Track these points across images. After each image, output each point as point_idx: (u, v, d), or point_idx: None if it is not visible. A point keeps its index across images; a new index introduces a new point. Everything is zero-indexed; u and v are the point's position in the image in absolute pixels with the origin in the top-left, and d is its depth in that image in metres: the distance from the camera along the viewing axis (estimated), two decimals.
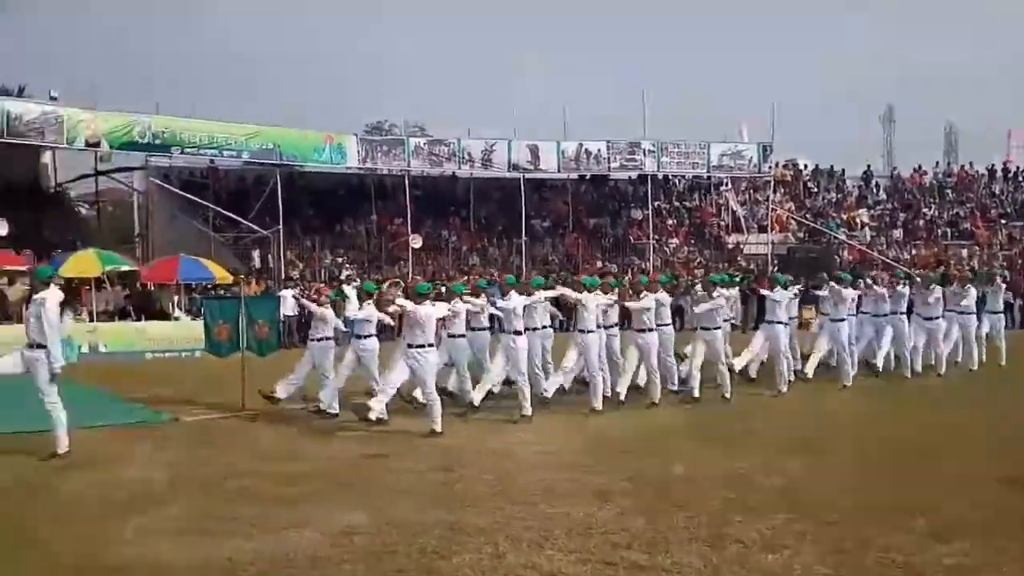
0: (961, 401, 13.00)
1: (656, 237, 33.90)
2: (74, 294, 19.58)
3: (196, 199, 28.79)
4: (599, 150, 32.16)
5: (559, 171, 32.75)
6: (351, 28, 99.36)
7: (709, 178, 36.12)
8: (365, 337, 11.14)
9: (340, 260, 29.52)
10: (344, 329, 11.78)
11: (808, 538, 6.01)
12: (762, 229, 34.84)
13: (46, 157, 31.19)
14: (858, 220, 35.97)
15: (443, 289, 12.08)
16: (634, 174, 34.76)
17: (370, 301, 11.28)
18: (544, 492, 7.30)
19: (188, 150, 27.15)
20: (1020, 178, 38.69)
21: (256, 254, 28.50)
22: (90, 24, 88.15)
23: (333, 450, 9.24)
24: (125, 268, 20.76)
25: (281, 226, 27.31)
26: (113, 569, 5.54)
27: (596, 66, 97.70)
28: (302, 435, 10.14)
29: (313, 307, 11.84)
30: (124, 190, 35.34)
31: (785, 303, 13.37)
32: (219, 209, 28.79)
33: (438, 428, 9.91)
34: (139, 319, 19.93)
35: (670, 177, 36.61)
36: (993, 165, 39.25)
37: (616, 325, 12.89)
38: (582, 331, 11.62)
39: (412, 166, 30.48)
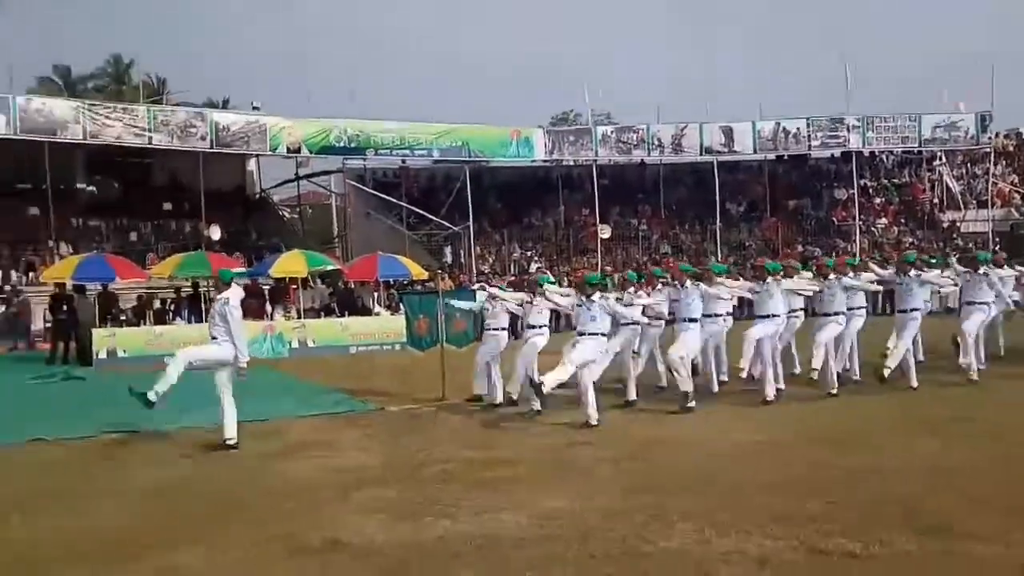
0: None
1: (863, 217, 31.93)
2: (283, 293, 20.65)
3: (389, 198, 29.81)
4: (798, 128, 30.92)
5: (755, 152, 31.59)
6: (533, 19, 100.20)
7: (920, 152, 33.80)
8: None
9: (529, 253, 29.65)
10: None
11: None
12: (981, 205, 32.22)
13: (251, 164, 33.41)
14: None
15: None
16: (837, 151, 32.98)
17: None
18: (746, 480, 6.98)
19: (381, 152, 28.15)
20: None
21: (447, 250, 29.16)
22: (285, 34, 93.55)
23: (531, 438, 9.17)
24: (330, 268, 21.61)
25: (471, 222, 27.78)
26: (330, 544, 5.71)
27: (791, 40, 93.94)
28: (499, 424, 10.11)
29: (508, 296, 11.65)
30: (322, 193, 37.36)
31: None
32: (411, 207, 29.69)
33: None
34: (342, 315, 20.68)
35: (876, 153, 34.42)
36: None
37: (802, 310, 12.15)
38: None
39: (600, 155, 30.19)
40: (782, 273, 11.22)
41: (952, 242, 29.54)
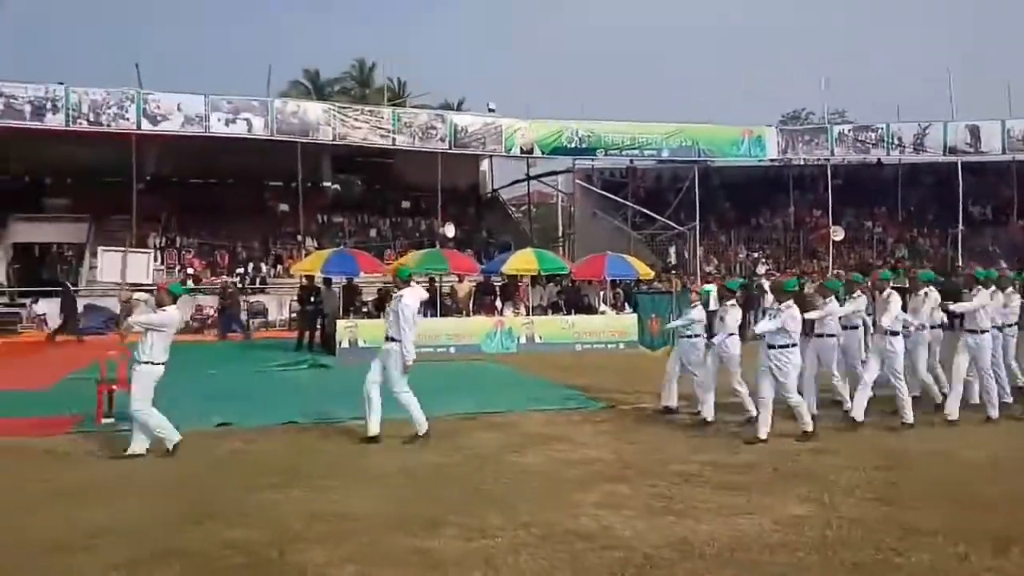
0: None
1: None
2: (514, 290, 21.48)
3: (616, 198, 30.26)
4: None
5: (1004, 152, 29.49)
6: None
7: None
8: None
9: (755, 255, 29.22)
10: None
11: None
12: None
13: (484, 164, 34.78)
14: None
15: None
16: None
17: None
18: (998, 497, 6.89)
19: (611, 152, 28.65)
20: None
21: (672, 250, 29.24)
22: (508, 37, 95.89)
23: (771, 443, 9.20)
24: (558, 270, 22.04)
25: (697, 222, 27.73)
26: (579, 536, 6.07)
27: None
28: (718, 430, 10.12)
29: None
30: (547, 192, 38.20)
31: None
32: (637, 207, 30.00)
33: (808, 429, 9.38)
34: (568, 313, 21.26)
35: None
36: None
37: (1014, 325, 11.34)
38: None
39: (835, 154, 29.28)
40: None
41: None
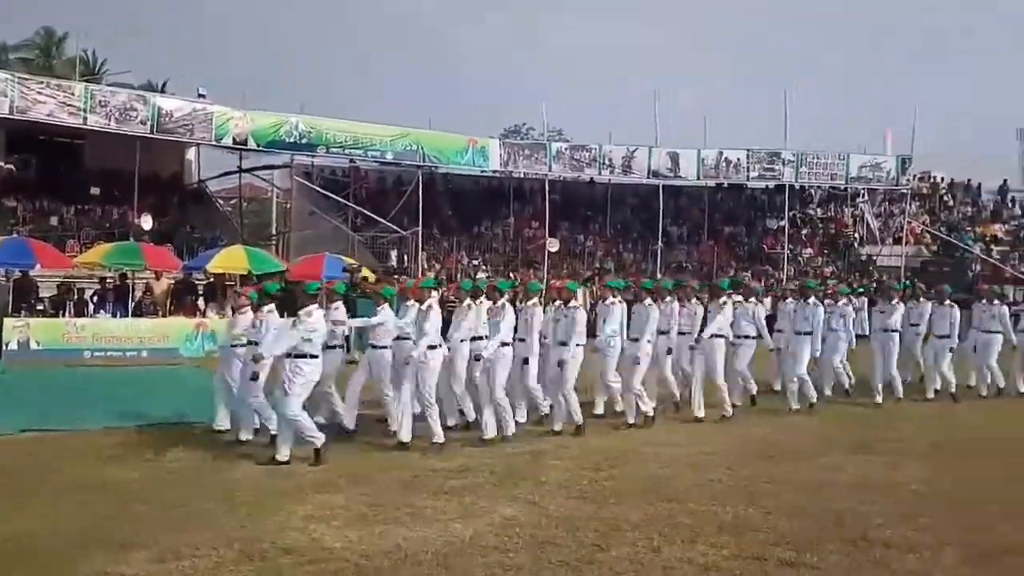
0: None
1: (791, 247, 33.26)
2: (219, 290, 19.90)
3: (337, 198, 29.68)
4: (738, 159, 31.89)
5: (699, 178, 32.50)
6: (486, 32, 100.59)
7: (846, 189, 35.38)
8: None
9: (476, 262, 29.91)
10: None
11: (947, 540, 6.14)
12: (896, 241, 33.92)
13: (190, 153, 32.57)
14: (992, 235, 34.98)
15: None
16: (772, 184, 34.15)
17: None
18: (692, 491, 7.45)
19: (333, 149, 28.03)
20: None
21: (394, 254, 29.17)
22: (229, 21, 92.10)
23: (489, 447, 9.32)
24: (272, 270, 20.75)
25: (420, 226, 27.86)
26: (285, 550, 5.80)
27: (736, 74, 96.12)
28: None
29: None
30: (261, 187, 36.46)
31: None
32: (359, 208, 29.62)
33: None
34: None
35: (807, 187, 35.84)
36: None
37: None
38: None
39: (553, 170, 30.69)
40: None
41: (868, 274, 31.02)
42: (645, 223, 33.01)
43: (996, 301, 14.27)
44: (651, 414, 10.73)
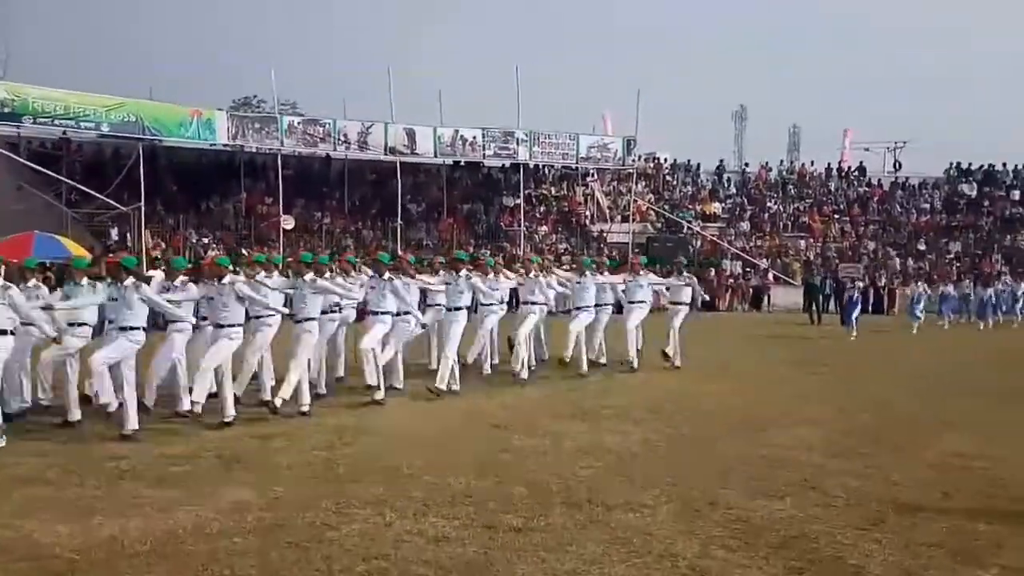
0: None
1: (527, 224, 34.56)
2: None
3: (48, 172, 27.20)
4: (474, 137, 32.41)
5: (436, 156, 32.81)
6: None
7: (577, 168, 37.04)
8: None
9: (206, 240, 28.59)
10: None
11: (663, 499, 6.63)
12: (624, 219, 36.24)
13: None
14: (711, 212, 38.36)
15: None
16: (507, 162, 35.19)
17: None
18: (425, 466, 7.56)
19: (41, 120, 25.65)
20: (852, 176, 41.95)
21: (114, 231, 27.26)
22: None
23: (215, 433, 9.04)
24: None
25: (142, 202, 26.16)
26: None
27: (470, 52, 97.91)
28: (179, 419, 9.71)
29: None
30: None
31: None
32: (73, 183, 27.35)
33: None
34: None
35: (540, 166, 37.24)
36: (829, 164, 42.94)
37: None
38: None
39: (285, 145, 29.79)
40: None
41: (601, 250, 32.84)
42: (384, 200, 32.96)
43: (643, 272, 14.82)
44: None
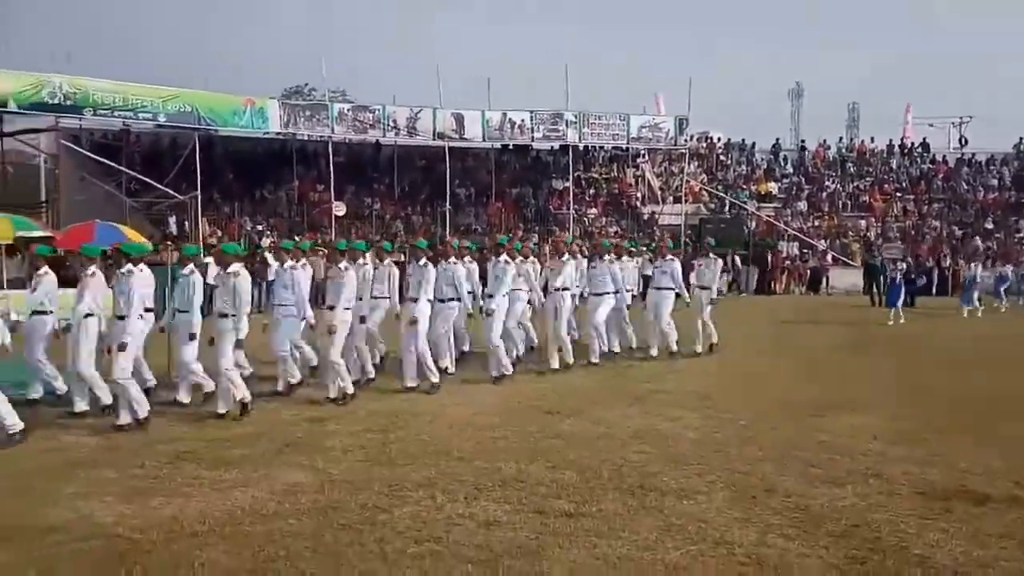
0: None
1: (576, 207, 34.31)
2: None
3: (109, 163, 27.79)
4: (523, 120, 32.27)
5: (484, 140, 32.70)
6: None
7: (627, 149, 36.64)
8: None
9: (260, 227, 28.95)
10: None
11: (719, 485, 6.52)
12: (676, 200, 35.70)
13: None
14: (767, 192, 37.43)
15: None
16: (556, 144, 34.98)
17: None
18: (477, 449, 7.57)
19: (101, 112, 26.15)
20: (915, 153, 40.59)
21: (172, 220, 27.75)
22: None
23: (271, 416, 9.16)
24: (37, 233, 19.79)
25: (199, 191, 26.60)
26: (52, 529, 5.53)
27: (521, 38, 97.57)
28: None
29: None
30: (28, 153, 33.79)
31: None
32: (133, 173, 27.91)
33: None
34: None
35: (590, 148, 36.94)
36: (891, 140, 41.46)
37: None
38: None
39: (335, 132, 29.99)
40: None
41: (651, 233, 32.47)
42: (433, 185, 33.05)
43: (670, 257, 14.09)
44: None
